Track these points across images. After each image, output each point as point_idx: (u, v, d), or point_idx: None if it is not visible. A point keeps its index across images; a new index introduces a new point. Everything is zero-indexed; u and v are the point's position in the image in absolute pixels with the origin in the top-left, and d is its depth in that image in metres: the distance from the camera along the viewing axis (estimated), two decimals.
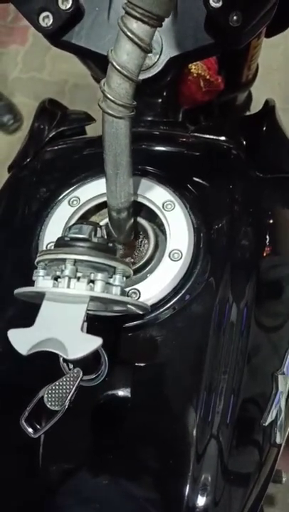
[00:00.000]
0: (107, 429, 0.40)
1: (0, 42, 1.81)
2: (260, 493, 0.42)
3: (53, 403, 0.35)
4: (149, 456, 0.40)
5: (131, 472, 0.39)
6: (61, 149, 0.57)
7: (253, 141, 0.54)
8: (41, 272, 0.35)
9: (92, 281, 0.34)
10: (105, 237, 0.37)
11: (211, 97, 0.64)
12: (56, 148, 0.57)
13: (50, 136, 0.58)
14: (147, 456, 0.40)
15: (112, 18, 0.42)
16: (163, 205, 0.46)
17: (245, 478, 0.41)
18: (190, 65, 0.58)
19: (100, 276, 0.34)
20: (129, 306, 0.37)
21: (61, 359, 0.38)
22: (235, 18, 0.36)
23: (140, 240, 0.47)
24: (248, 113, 0.85)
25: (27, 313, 0.34)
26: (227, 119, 0.74)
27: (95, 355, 0.39)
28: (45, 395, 0.35)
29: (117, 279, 0.35)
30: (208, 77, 0.59)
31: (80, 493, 0.40)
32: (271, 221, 0.49)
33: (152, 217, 0.47)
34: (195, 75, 0.59)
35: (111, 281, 0.35)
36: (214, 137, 0.53)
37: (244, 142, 0.53)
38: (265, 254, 0.47)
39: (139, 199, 0.46)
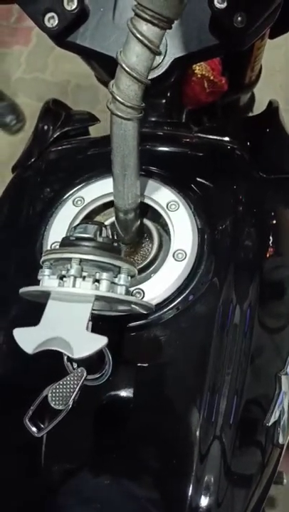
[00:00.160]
0: (110, 429, 0.41)
1: (3, 42, 1.81)
2: (263, 494, 0.42)
3: (57, 402, 0.35)
4: (152, 456, 0.40)
5: (134, 472, 0.39)
6: (65, 149, 0.57)
7: (256, 141, 0.54)
8: (47, 272, 0.35)
9: (98, 281, 0.34)
10: (110, 236, 0.37)
11: (215, 97, 0.64)
12: (60, 148, 0.57)
13: (55, 136, 0.58)
14: (150, 456, 0.40)
15: (117, 18, 0.42)
16: (167, 205, 0.46)
17: (248, 478, 0.41)
18: (194, 65, 0.59)
19: (105, 275, 0.34)
20: (133, 305, 0.37)
21: (65, 358, 0.39)
22: (239, 19, 0.36)
23: (144, 240, 0.47)
24: (250, 114, 0.85)
25: (32, 313, 0.34)
26: (230, 120, 0.74)
27: (99, 355, 0.39)
28: (49, 394, 0.35)
29: (122, 279, 0.35)
30: (212, 78, 0.60)
31: (82, 492, 0.40)
32: (274, 222, 0.49)
33: (156, 217, 0.47)
34: (199, 75, 0.59)
35: (116, 280, 0.35)
36: (218, 138, 0.53)
37: (248, 143, 0.53)
38: (268, 255, 0.47)
39: (144, 199, 0.47)
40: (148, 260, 0.44)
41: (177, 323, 0.42)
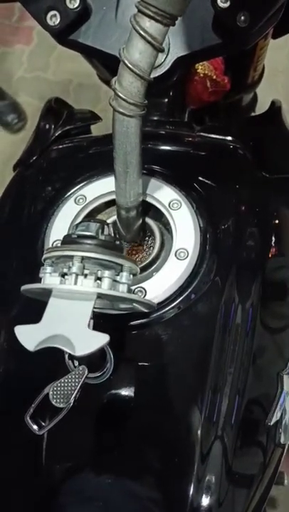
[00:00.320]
0: (111, 428, 0.40)
1: (5, 41, 1.81)
2: (264, 494, 0.42)
3: (58, 400, 0.35)
4: (154, 455, 0.40)
5: (135, 471, 0.39)
6: (67, 148, 0.57)
7: (259, 141, 0.54)
8: (48, 269, 0.35)
9: (99, 279, 0.34)
10: (112, 234, 0.37)
11: (218, 97, 0.64)
12: (62, 146, 0.57)
13: (56, 134, 0.58)
14: (151, 456, 0.40)
15: (120, 17, 0.42)
16: (169, 204, 0.46)
17: (250, 478, 0.41)
18: (197, 65, 0.59)
19: (107, 273, 0.34)
20: (135, 304, 0.37)
21: (67, 356, 0.39)
22: (242, 18, 0.36)
23: (146, 238, 0.47)
24: (253, 114, 0.85)
25: (33, 311, 0.34)
26: (233, 120, 0.74)
27: (100, 353, 0.39)
28: (51, 392, 0.35)
29: (124, 277, 0.35)
30: (214, 77, 0.60)
31: (82, 491, 0.40)
32: (277, 221, 0.49)
33: (158, 216, 0.47)
34: (202, 75, 0.59)
35: (118, 278, 0.35)
36: (220, 137, 0.53)
37: (250, 142, 0.53)
38: (270, 255, 0.47)
39: (146, 198, 0.46)
40: (150, 259, 0.44)
41: (179, 322, 0.42)
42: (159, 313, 0.42)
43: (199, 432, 0.38)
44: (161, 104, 0.56)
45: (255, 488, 0.41)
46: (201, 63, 0.59)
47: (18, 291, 0.36)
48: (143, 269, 0.44)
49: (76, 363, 0.38)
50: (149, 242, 0.47)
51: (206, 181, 0.49)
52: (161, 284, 0.42)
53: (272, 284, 0.46)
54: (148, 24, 0.31)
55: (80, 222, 0.37)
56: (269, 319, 0.45)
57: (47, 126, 0.60)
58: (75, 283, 0.34)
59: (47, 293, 0.34)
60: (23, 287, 0.35)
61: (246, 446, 0.41)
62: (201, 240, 0.44)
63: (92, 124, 0.62)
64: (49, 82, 1.72)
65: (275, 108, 0.58)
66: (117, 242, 0.37)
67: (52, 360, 0.38)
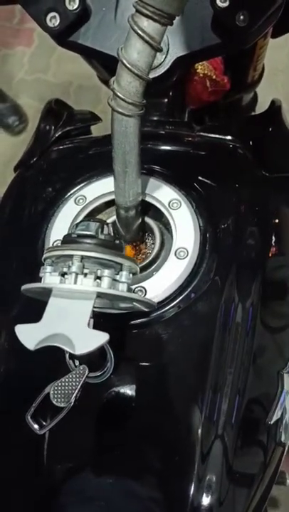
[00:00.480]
0: (111, 427, 0.41)
1: (6, 44, 1.82)
2: (265, 493, 0.42)
3: (59, 400, 0.35)
4: (154, 454, 0.40)
5: (135, 471, 0.39)
6: (67, 149, 0.57)
7: (259, 140, 0.54)
8: (48, 269, 0.36)
9: (99, 278, 0.34)
10: (112, 234, 0.37)
11: (217, 97, 0.64)
12: (62, 147, 0.58)
13: (57, 135, 0.58)
14: (152, 455, 0.40)
15: (119, 18, 0.42)
16: (169, 203, 0.46)
17: (250, 477, 0.41)
18: (196, 65, 0.59)
19: (106, 272, 0.34)
20: (135, 303, 0.37)
21: (67, 356, 0.39)
22: (241, 17, 0.36)
23: (146, 238, 0.47)
24: (253, 114, 0.85)
25: (33, 310, 0.34)
26: (233, 119, 0.74)
27: (101, 352, 0.39)
28: (52, 392, 0.35)
29: (124, 276, 0.35)
30: (214, 77, 0.60)
31: (82, 491, 0.40)
32: (277, 220, 0.49)
33: (158, 215, 0.47)
34: (201, 75, 0.59)
35: (117, 277, 0.35)
36: (220, 136, 0.53)
37: (250, 142, 0.53)
38: (270, 254, 0.47)
39: (145, 197, 0.47)
40: (150, 258, 0.44)
41: (179, 321, 0.42)
42: (159, 312, 0.42)
43: (200, 431, 0.38)
44: (161, 104, 0.56)
45: (256, 487, 0.41)
46: (200, 63, 0.59)
47: (19, 291, 0.36)
48: (143, 269, 0.44)
49: (77, 363, 0.38)
50: (149, 242, 0.47)
51: (206, 181, 0.49)
52: (161, 284, 0.42)
53: (273, 283, 0.46)
54: (146, 24, 0.31)
55: (80, 222, 0.37)
56: (269, 318, 0.45)
57: (47, 128, 0.60)
58: (75, 282, 0.34)
59: (47, 292, 0.34)
60: (24, 287, 0.35)
61: (247, 446, 0.41)
62: (201, 239, 0.44)
63: (92, 124, 0.63)
64: (50, 84, 1.73)
65: (275, 107, 0.58)
66: (117, 242, 0.37)
67: (52, 360, 0.38)
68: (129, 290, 0.36)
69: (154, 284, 0.42)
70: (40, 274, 0.36)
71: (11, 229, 0.52)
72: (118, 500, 0.39)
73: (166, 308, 0.42)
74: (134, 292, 0.42)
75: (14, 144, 1.64)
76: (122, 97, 0.33)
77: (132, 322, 0.42)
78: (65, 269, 0.35)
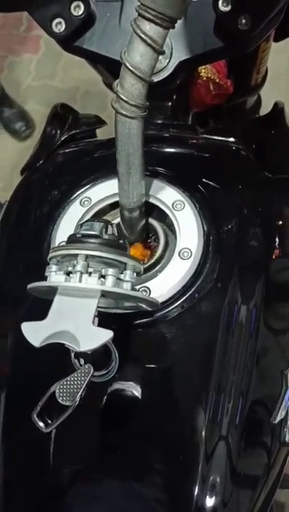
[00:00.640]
0: (115, 427, 0.41)
1: (13, 51, 1.85)
2: (270, 494, 0.42)
3: (64, 398, 0.35)
4: (158, 455, 0.40)
5: (139, 471, 0.39)
6: (73, 152, 0.58)
7: (262, 142, 0.55)
8: (54, 268, 0.36)
9: (104, 277, 0.35)
10: (116, 234, 0.38)
11: (221, 100, 0.65)
12: (68, 151, 0.58)
13: (62, 139, 0.59)
14: (156, 455, 0.40)
15: (123, 23, 0.43)
16: (173, 204, 0.46)
17: (255, 478, 0.41)
18: (199, 68, 0.59)
19: (110, 271, 0.34)
20: (138, 302, 0.37)
21: (73, 355, 0.39)
22: (244, 21, 0.37)
23: (150, 239, 0.48)
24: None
25: (39, 310, 0.35)
26: (236, 121, 0.74)
27: (105, 351, 0.40)
28: (57, 390, 0.35)
29: (128, 275, 0.36)
30: (217, 80, 0.60)
31: (87, 491, 0.40)
32: (280, 222, 0.49)
33: (162, 216, 0.47)
34: (204, 78, 0.60)
35: (122, 276, 0.36)
36: (223, 139, 0.54)
37: (253, 144, 0.54)
38: (274, 255, 0.47)
39: (149, 199, 0.47)
40: (154, 259, 0.45)
41: (182, 321, 0.42)
42: (162, 312, 0.42)
43: (204, 432, 0.38)
44: (165, 108, 0.57)
45: (261, 488, 0.41)
46: (204, 67, 0.59)
47: (25, 291, 0.37)
48: (147, 269, 0.44)
49: (82, 362, 0.38)
50: (154, 243, 0.47)
51: (210, 182, 0.49)
52: (165, 284, 0.43)
53: (276, 285, 0.46)
54: (148, 27, 0.32)
55: (84, 222, 0.37)
56: (273, 320, 0.45)
57: (53, 131, 0.61)
58: (80, 281, 0.34)
59: (52, 291, 0.35)
60: (30, 286, 0.36)
61: (251, 446, 0.41)
62: (205, 240, 0.45)
63: (97, 128, 0.63)
64: (56, 90, 1.74)
65: (277, 109, 0.58)
66: (121, 241, 0.37)
67: (58, 359, 0.39)
68: (133, 289, 0.37)
69: (158, 284, 0.43)
70: (46, 273, 0.36)
71: (17, 231, 0.53)
72: (122, 500, 0.39)
73: (170, 308, 0.42)
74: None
75: (21, 149, 1.66)
76: (125, 99, 0.34)
77: (136, 322, 0.42)
78: (70, 268, 0.35)
